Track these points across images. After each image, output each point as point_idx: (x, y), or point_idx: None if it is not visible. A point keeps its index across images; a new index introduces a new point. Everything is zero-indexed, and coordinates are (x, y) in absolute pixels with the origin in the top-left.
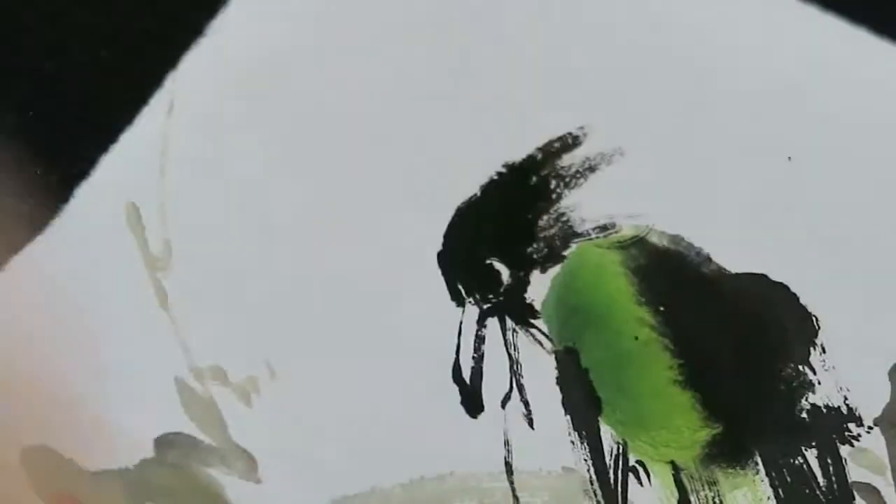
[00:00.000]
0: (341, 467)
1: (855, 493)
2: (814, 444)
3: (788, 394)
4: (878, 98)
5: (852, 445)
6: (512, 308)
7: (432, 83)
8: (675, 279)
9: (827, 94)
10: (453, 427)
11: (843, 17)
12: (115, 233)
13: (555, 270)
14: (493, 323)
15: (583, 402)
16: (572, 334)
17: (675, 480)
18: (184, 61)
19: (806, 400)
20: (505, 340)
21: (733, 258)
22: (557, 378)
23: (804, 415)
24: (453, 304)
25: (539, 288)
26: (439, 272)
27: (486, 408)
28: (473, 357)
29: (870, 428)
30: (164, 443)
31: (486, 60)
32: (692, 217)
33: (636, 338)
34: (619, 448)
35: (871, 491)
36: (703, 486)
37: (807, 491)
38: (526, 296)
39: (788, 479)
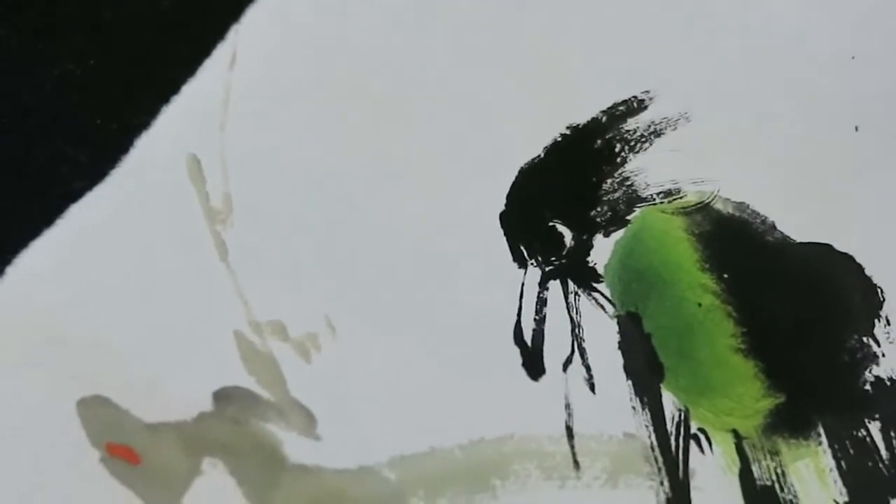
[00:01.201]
0: (400, 427)
1: None
2: (877, 416)
3: (852, 365)
4: None
5: None
6: (574, 271)
7: (496, 45)
8: (739, 247)
9: (894, 61)
10: (514, 389)
11: None
12: (176, 185)
13: (618, 235)
14: (555, 286)
15: (645, 368)
16: (635, 299)
17: (737, 449)
18: (247, 14)
19: (870, 372)
20: (567, 303)
21: (799, 227)
22: (619, 343)
23: (868, 387)
24: (515, 265)
25: (602, 252)
26: (502, 233)
27: (547, 371)
28: (535, 319)
29: None
30: (223, 396)
31: (550, 23)
32: (758, 184)
33: (700, 304)
34: (680, 415)
35: None
36: (765, 455)
37: (869, 464)
38: (589, 259)
39: (851, 451)
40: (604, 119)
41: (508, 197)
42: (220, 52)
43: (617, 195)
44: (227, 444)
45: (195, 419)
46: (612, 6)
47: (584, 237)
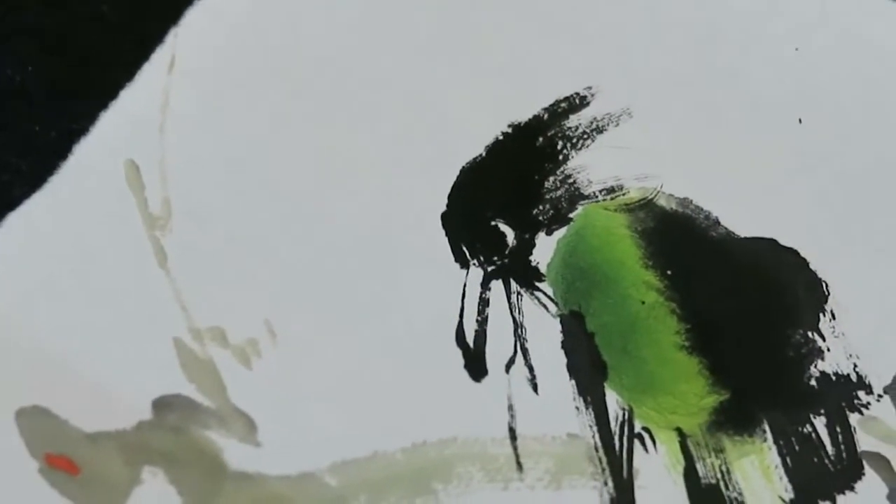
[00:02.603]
0: (342, 431)
1: (864, 463)
2: (823, 412)
3: (797, 361)
4: (891, 61)
5: (862, 414)
6: (517, 270)
7: (437, 43)
8: (683, 243)
9: (839, 55)
10: (456, 391)
11: None
12: (115, 191)
13: (561, 233)
14: (497, 286)
15: (588, 367)
16: (578, 298)
17: (682, 447)
18: (185, 16)
19: (815, 367)
20: (509, 303)
21: (742, 222)
22: (562, 342)
23: (813, 382)
24: (457, 266)
25: (545, 250)
26: (443, 234)
27: (489, 372)
28: (477, 320)
29: (880, 396)
30: (163, 405)
31: (491, 20)
32: (701, 180)
33: (643, 302)
34: (624, 414)
35: (881, 460)
36: (709, 453)
37: (815, 460)
38: (531, 258)
39: (797, 447)
40: (546, 116)
41: (450, 197)
42: (159, 56)
43: (559, 193)
44: (168, 453)
45: (135, 428)
46: (553, 3)
47: (527, 236)
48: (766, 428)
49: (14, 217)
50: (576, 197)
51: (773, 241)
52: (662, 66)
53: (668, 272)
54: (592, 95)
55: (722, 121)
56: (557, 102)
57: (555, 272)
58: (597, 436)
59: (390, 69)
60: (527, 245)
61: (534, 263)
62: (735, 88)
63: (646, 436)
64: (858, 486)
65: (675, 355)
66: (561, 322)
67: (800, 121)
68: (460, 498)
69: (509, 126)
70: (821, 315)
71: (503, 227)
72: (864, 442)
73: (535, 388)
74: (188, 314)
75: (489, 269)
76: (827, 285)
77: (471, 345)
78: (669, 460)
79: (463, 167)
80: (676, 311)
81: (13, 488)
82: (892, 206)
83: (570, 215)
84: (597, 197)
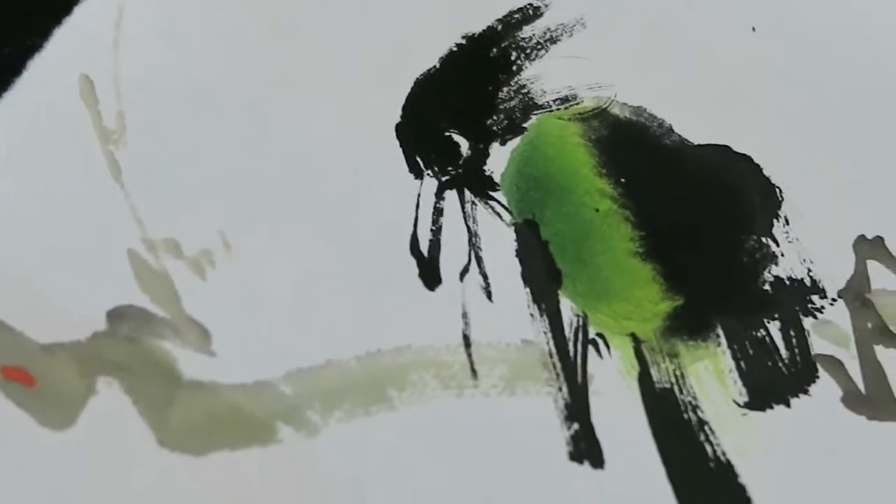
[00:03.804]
0: (297, 340)
1: (818, 366)
2: (776, 316)
3: (751, 266)
4: None
5: (816, 318)
6: (471, 180)
7: None
8: (636, 151)
9: None
10: (411, 300)
11: None
12: (69, 106)
13: (515, 143)
14: (451, 195)
15: (542, 275)
16: (532, 206)
17: (636, 353)
18: None
19: (769, 272)
20: (464, 213)
21: (696, 129)
22: (517, 251)
23: (767, 287)
24: (411, 176)
25: (499, 160)
26: (398, 145)
27: (443, 281)
28: (431, 230)
29: (833, 300)
30: (117, 315)
31: None
32: (654, 88)
33: (597, 209)
34: (578, 321)
35: (835, 363)
36: (663, 358)
37: (769, 363)
38: (485, 168)
39: (750, 351)
40: (499, 27)
41: (404, 108)
42: None
43: (513, 103)
44: (122, 363)
45: (90, 339)
46: None
47: (481, 146)
48: (720, 333)
49: None
50: (530, 107)
51: (726, 148)
52: None
53: (622, 180)
54: (546, 6)
55: (675, 29)
56: (511, 13)
57: (509, 181)
58: (551, 342)
59: None
60: (481, 155)
61: (488, 173)
62: None
63: (600, 342)
64: (812, 389)
65: (629, 262)
66: (515, 231)
67: (753, 29)
68: (415, 405)
69: (463, 37)
70: (774, 221)
71: (457, 138)
72: (818, 346)
73: (489, 296)
74: (142, 226)
75: (443, 179)
76: (780, 191)
77: (425, 254)
78: (624, 366)
79: (417, 79)
80: (630, 219)
81: None
82: (845, 110)
83: (524, 125)
84: (551, 107)
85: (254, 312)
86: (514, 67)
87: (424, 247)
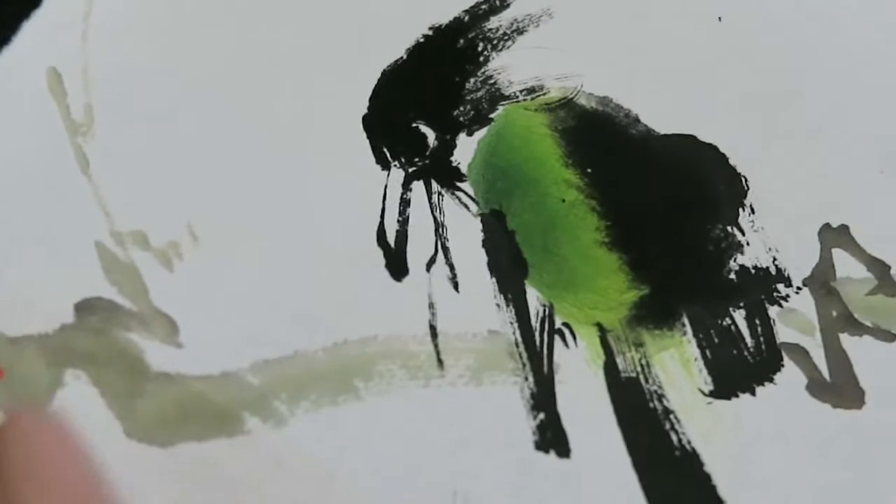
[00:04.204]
0: (263, 331)
1: (784, 354)
2: (742, 305)
3: (717, 255)
4: None
5: (781, 306)
6: (438, 171)
7: None
8: (603, 141)
9: None
10: (377, 290)
11: None
12: (37, 99)
13: (482, 133)
14: (418, 186)
15: (509, 265)
16: (499, 197)
17: (602, 342)
18: None
19: (734, 261)
20: (430, 204)
21: (662, 119)
22: (483, 241)
23: (732, 276)
24: (378, 167)
25: (465, 151)
26: (364, 136)
27: (410, 271)
28: (398, 220)
29: (798, 288)
30: (85, 308)
31: None
32: (621, 78)
33: (563, 200)
34: (545, 311)
35: (800, 352)
36: (629, 347)
37: (734, 352)
38: (452, 159)
39: (716, 340)
40: (466, 18)
41: (371, 99)
42: None
43: (480, 94)
44: (90, 355)
45: (57, 331)
46: None
47: (448, 137)
48: (686, 321)
49: None
50: (496, 98)
51: (692, 138)
52: None
53: (589, 170)
54: None
55: (641, 20)
56: (478, 4)
57: (475, 172)
58: (517, 332)
59: None
60: (447, 146)
61: (455, 164)
62: None
63: (566, 331)
64: (778, 377)
65: (595, 252)
66: (482, 221)
67: (719, 19)
68: (382, 396)
69: (430, 28)
70: (740, 209)
71: (424, 129)
72: (784, 334)
73: (455, 286)
74: (110, 218)
75: (410, 170)
76: (746, 180)
77: (392, 245)
78: (590, 355)
79: (384, 70)
80: (597, 209)
81: None
82: (811, 100)
83: (491, 116)
84: (517, 97)
85: (221, 304)
86: (481, 58)
87: (391, 238)
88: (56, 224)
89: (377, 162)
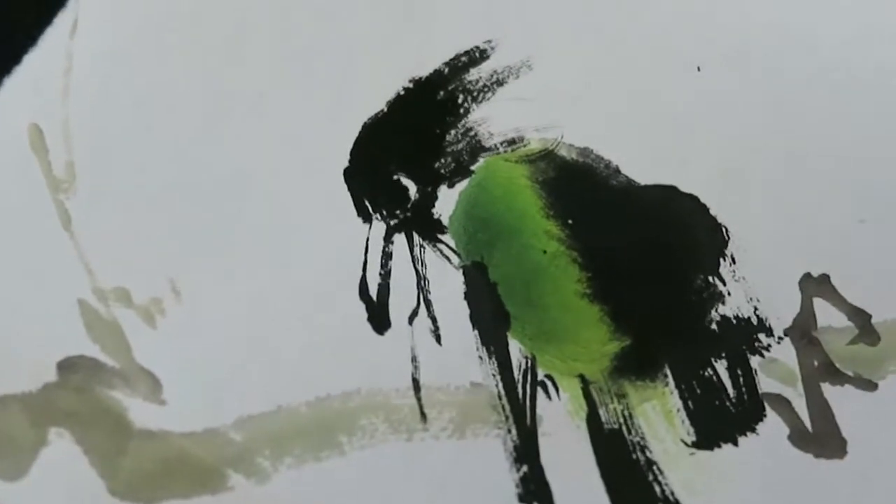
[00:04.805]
0: (246, 387)
1: (765, 404)
2: (724, 355)
3: (698, 305)
4: (792, 3)
5: (763, 356)
6: (419, 223)
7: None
8: (583, 192)
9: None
10: (360, 344)
11: None
12: (19, 155)
13: (462, 185)
14: (400, 239)
15: (491, 317)
16: (480, 248)
17: (584, 394)
18: None
19: (716, 311)
20: (412, 256)
21: (643, 170)
22: (465, 293)
23: (714, 326)
24: (360, 220)
25: (447, 203)
26: (346, 188)
27: (392, 324)
28: (380, 273)
29: (780, 338)
30: (67, 366)
31: None
32: (601, 129)
33: (545, 251)
34: (527, 362)
35: (782, 402)
36: (612, 398)
37: (716, 402)
38: (434, 211)
39: (698, 390)
40: (446, 71)
41: (352, 152)
42: (62, 19)
43: (460, 146)
44: (73, 414)
45: (41, 390)
46: None
47: (429, 189)
48: (668, 372)
49: None
50: (477, 149)
51: (672, 188)
52: (560, 17)
53: (570, 221)
54: (492, 48)
55: (620, 70)
56: (458, 56)
57: (457, 224)
58: (500, 384)
59: (292, 26)
60: (429, 198)
61: (436, 216)
62: (633, 37)
63: (549, 383)
64: (760, 427)
65: (577, 303)
66: (464, 273)
67: (698, 68)
68: (365, 450)
69: (410, 81)
70: (721, 259)
71: (405, 181)
72: (765, 384)
73: (438, 339)
74: (92, 275)
75: (392, 222)
76: (727, 230)
77: (374, 298)
78: (572, 407)
79: (365, 122)
80: (578, 260)
81: None
82: (791, 150)
83: (472, 168)
84: (498, 149)
85: (203, 359)
86: (462, 110)
87: (373, 291)
88: (39, 281)
89: (359, 214)
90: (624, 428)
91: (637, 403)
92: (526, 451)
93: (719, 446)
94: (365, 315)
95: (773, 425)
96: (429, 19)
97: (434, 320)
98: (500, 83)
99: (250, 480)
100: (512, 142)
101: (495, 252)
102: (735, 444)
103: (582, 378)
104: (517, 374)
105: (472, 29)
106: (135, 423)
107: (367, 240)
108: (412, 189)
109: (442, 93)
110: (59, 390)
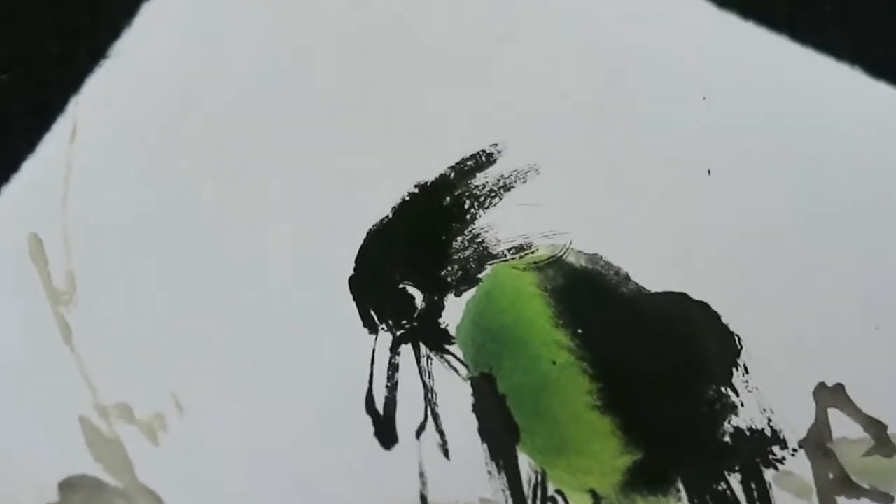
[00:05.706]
0: (251, 503)
1: None
2: (737, 468)
3: (711, 417)
4: (801, 108)
5: (777, 469)
6: (426, 334)
7: (341, 101)
8: (593, 300)
9: (747, 104)
10: (367, 460)
11: (762, 25)
12: (18, 265)
13: (470, 294)
14: (406, 350)
15: (500, 430)
16: (488, 359)
17: None
18: (86, 85)
19: (729, 422)
20: (419, 368)
21: (653, 277)
22: (474, 405)
23: (727, 438)
24: (366, 331)
25: (454, 312)
26: (351, 298)
27: (400, 439)
28: (387, 386)
29: (794, 450)
30: (68, 486)
31: (396, 77)
32: (610, 235)
33: (554, 362)
34: (537, 477)
35: None
36: None
37: None
38: (440, 321)
39: None
40: (452, 175)
41: (357, 260)
42: (60, 126)
43: (467, 253)
44: None
45: None
46: (455, 61)
47: (436, 298)
48: (680, 486)
49: None
50: (484, 257)
51: (683, 296)
52: (568, 120)
53: (579, 331)
54: (499, 152)
55: (630, 174)
56: (464, 160)
57: (464, 334)
58: (510, 500)
59: (294, 132)
60: (436, 307)
61: (443, 326)
62: (642, 141)
63: (559, 498)
64: None
65: (587, 415)
66: (472, 385)
67: (709, 172)
68: None
69: (416, 186)
70: (734, 370)
71: (411, 290)
72: (780, 498)
73: (446, 453)
74: (94, 391)
75: (398, 333)
76: (739, 339)
77: (381, 412)
78: None
79: (370, 229)
80: (588, 371)
81: None
82: (801, 257)
83: (479, 276)
84: (505, 256)
85: (206, 476)
86: (468, 216)
87: (380, 404)
88: (39, 399)
89: (365, 325)
90: None
91: None
92: None
93: None
94: (372, 429)
95: None
96: (434, 122)
97: (442, 434)
98: (507, 188)
99: None
100: (520, 248)
101: (504, 363)
102: None
103: (593, 493)
104: (527, 490)
105: (478, 132)
106: None
107: (374, 351)
108: (418, 298)
109: (448, 198)
110: None
